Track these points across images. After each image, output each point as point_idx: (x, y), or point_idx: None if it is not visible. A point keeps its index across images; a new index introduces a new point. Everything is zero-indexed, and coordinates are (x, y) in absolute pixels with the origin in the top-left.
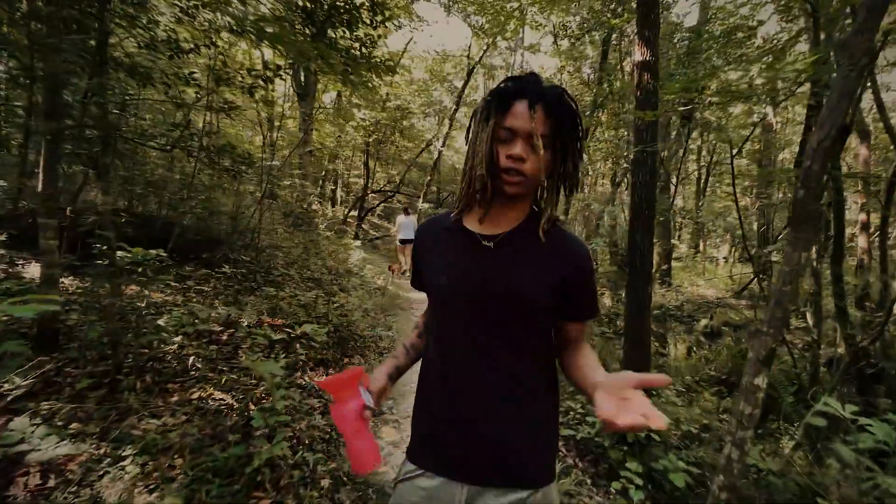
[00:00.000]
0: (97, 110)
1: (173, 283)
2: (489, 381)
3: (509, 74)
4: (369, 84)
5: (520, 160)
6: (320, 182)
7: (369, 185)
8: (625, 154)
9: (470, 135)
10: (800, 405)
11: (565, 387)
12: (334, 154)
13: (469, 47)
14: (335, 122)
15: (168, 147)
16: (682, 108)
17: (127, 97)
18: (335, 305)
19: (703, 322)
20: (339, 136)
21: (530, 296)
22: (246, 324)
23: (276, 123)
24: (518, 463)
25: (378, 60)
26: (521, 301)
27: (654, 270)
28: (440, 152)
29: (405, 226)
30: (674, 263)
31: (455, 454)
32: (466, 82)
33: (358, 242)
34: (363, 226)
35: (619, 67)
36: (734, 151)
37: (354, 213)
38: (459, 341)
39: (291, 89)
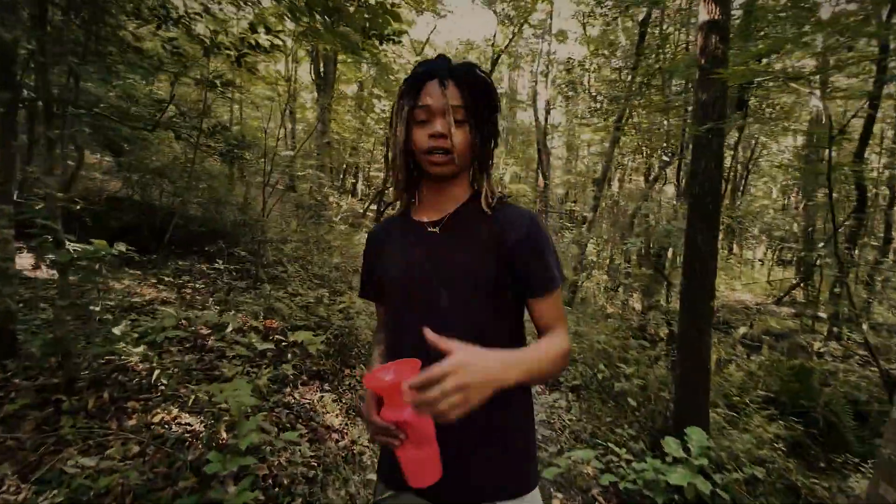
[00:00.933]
0: (37, 79)
1: (168, 279)
2: None
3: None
4: (373, 51)
5: (441, 137)
6: (340, 174)
7: (389, 178)
8: (663, 146)
9: (392, 124)
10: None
11: (606, 431)
12: (354, 146)
13: (494, 36)
14: (356, 114)
15: (149, 127)
16: (756, 81)
17: (85, 67)
18: (340, 306)
19: (742, 330)
20: (360, 128)
21: (479, 273)
22: (231, 329)
23: (295, 113)
24: (493, 478)
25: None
26: (470, 280)
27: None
28: None
29: None
30: None
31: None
32: (490, 73)
33: None
34: (382, 220)
35: (659, 50)
36: (835, 135)
37: (374, 206)
38: (414, 339)
39: (311, 77)
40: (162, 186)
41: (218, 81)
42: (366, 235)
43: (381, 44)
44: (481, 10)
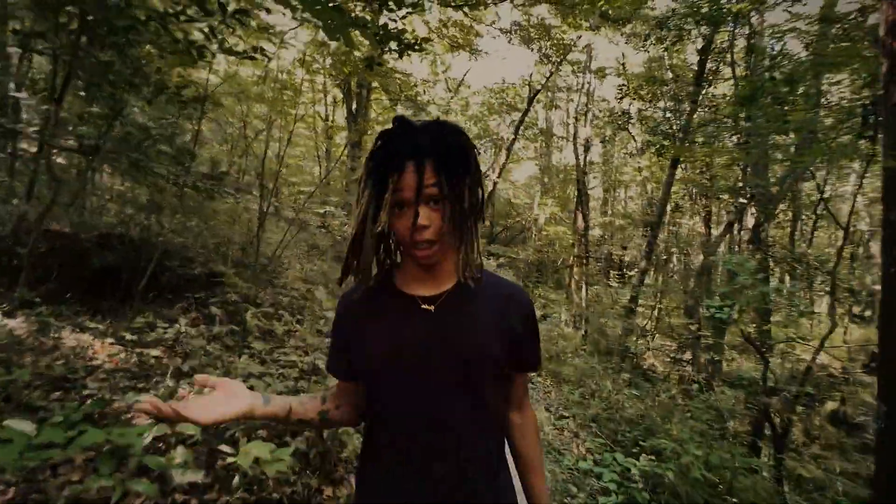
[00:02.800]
0: None
1: (130, 336)
2: (462, 453)
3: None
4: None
5: (424, 228)
6: None
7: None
8: (739, 185)
9: (357, 200)
10: None
11: None
12: None
13: (531, 75)
14: None
15: (87, 151)
16: None
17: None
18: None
19: (830, 406)
20: None
21: (485, 354)
22: (149, 439)
23: (331, 152)
24: None
25: (407, 39)
26: (476, 362)
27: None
28: (495, 184)
29: None
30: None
31: None
32: (527, 111)
33: None
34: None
35: (720, 82)
36: None
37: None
38: (415, 415)
39: (343, 115)
40: (158, 223)
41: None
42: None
43: (401, 56)
44: (517, 50)
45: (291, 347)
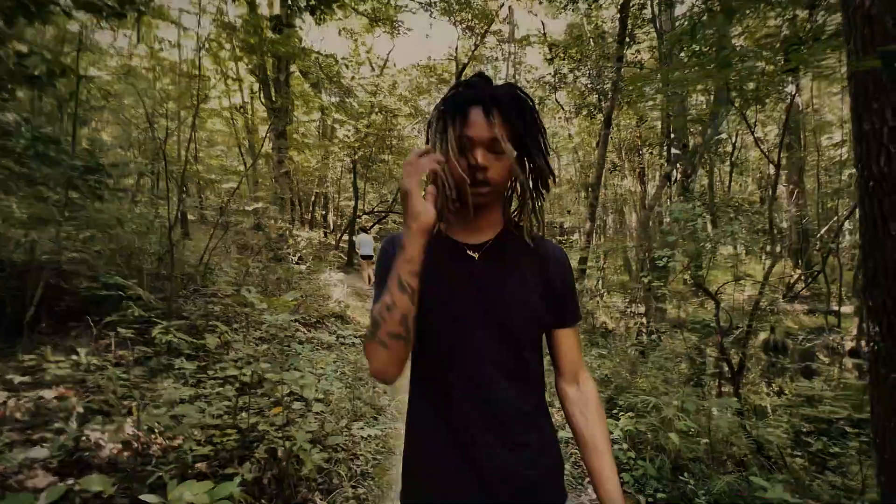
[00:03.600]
0: None
1: (19, 379)
2: (502, 407)
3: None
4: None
5: (483, 169)
6: (309, 206)
7: (360, 206)
8: (671, 138)
9: (431, 141)
10: None
11: None
12: (321, 176)
13: (456, 49)
14: (320, 142)
15: None
16: None
17: None
18: (276, 400)
19: (763, 336)
20: (324, 157)
21: (527, 306)
22: None
23: (255, 147)
24: (534, 493)
25: None
26: (518, 313)
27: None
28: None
29: (364, 243)
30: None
31: (460, 488)
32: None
33: (340, 275)
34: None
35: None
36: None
37: (346, 237)
38: (456, 364)
39: (262, 102)
40: (48, 240)
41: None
42: (330, 273)
43: (313, 13)
44: (441, 25)
45: (230, 360)
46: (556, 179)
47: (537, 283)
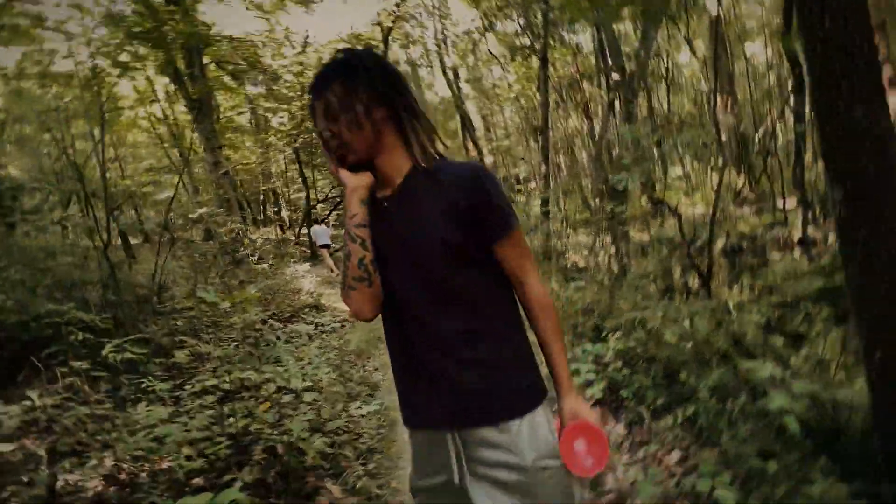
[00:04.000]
0: None
1: None
2: (435, 331)
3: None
4: None
5: (332, 143)
6: (259, 205)
7: (312, 196)
8: (608, 67)
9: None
10: None
11: None
12: (265, 172)
13: (378, 14)
14: (255, 136)
15: None
16: None
17: None
18: (270, 394)
19: (721, 242)
20: (264, 150)
21: (435, 238)
22: None
23: (187, 154)
24: (486, 403)
25: None
26: (428, 247)
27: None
28: None
29: (320, 233)
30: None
31: (426, 409)
32: (385, 53)
33: (307, 266)
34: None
35: None
36: None
37: (305, 230)
38: (399, 298)
39: (183, 104)
40: None
41: None
42: (295, 267)
43: None
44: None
45: (208, 370)
46: (421, 113)
47: (444, 209)
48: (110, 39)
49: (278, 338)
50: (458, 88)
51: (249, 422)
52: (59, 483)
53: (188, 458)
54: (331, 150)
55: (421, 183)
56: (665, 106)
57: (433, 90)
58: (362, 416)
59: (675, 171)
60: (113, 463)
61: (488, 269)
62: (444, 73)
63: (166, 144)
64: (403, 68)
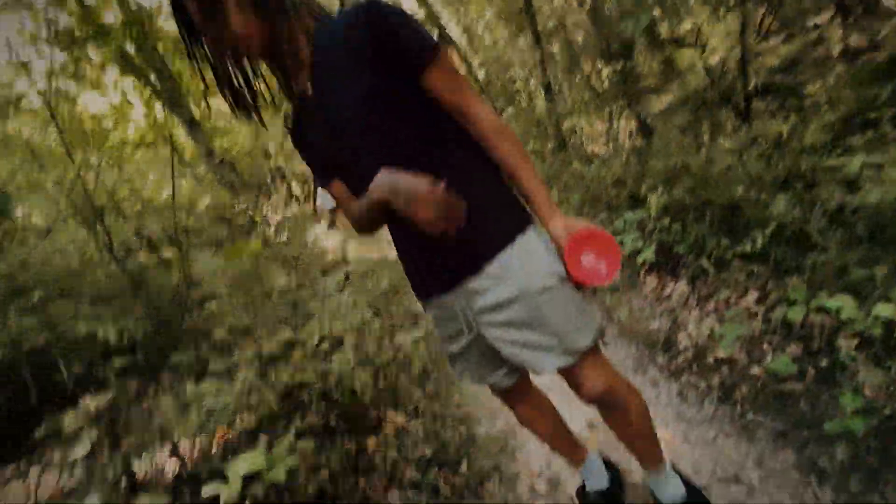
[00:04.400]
0: None
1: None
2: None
3: None
4: None
5: (213, 28)
6: (267, 186)
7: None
8: None
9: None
10: None
11: None
12: (264, 151)
13: None
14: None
15: None
16: None
17: None
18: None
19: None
20: (252, 130)
21: (360, 91)
22: None
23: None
24: (471, 249)
25: None
26: (360, 103)
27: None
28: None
29: (326, 197)
30: None
31: (425, 278)
32: None
33: (323, 226)
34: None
35: None
36: None
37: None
38: (358, 163)
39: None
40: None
41: None
42: (315, 231)
43: None
44: None
45: (249, 340)
46: None
47: (354, 58)
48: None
49: (316, 293)
50: (427, 2)
51: (293, 373)
52: (139, 475)
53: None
54: (220, 55)
55: (318, 48)
56: None
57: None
58: (411, 343)
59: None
60: (178, 444)
61: (431, 111)
62: None
63: (161, 150)
64: None
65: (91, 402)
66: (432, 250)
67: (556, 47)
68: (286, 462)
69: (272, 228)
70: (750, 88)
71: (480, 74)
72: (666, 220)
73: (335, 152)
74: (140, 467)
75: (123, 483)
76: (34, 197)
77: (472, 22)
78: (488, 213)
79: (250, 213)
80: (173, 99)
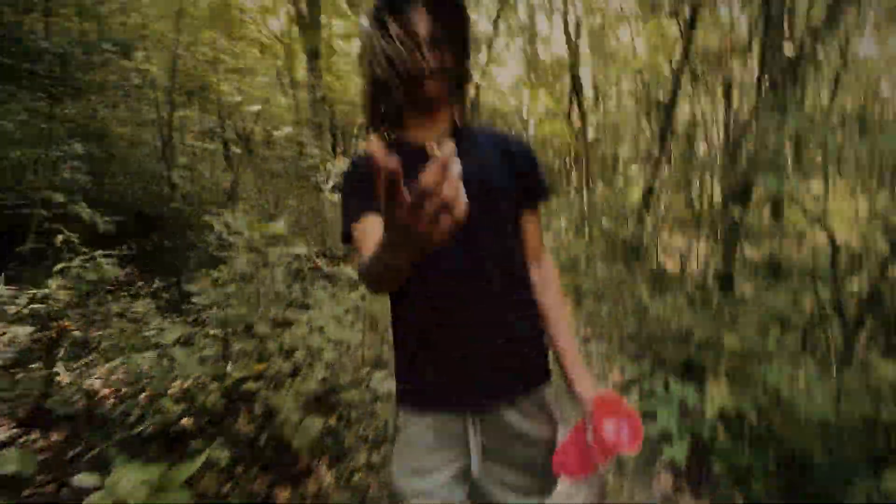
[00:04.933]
0: None
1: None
2: (476, 293)
3: None
4: None
5: (427, 62)
6: (351, 137)
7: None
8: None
9: (366, 48)
10: None
11: None
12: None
13: None
14: (360, 67)
15: None
16: None
17: None
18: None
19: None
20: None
21: (499, 177)
22: None
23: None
24: (517, 374)
25: None
26: (492, 184)
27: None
28: (478, 87)
29: None
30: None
31: (448, 385)
32: None
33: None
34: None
35: None
36: None
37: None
38: (438, 255)
39: (290, 16)
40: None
41: None
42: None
43: None
44: None
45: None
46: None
47: (498, 160)
48: None
49: (324, 275)
50: (577, 47)
51: (248, 374)
52: (59, 378)
53: (177, 400)
54: (408, 72)
55: (469, 134)
56: (826, 99)
57: (549, 45)
58: (384, 392)
59: (813, 184)
60: (103, 378)
61: (516, 238)
62: (566, 27)
63: (279, 62)
64: (520, 13)
65: (55, 286)
66: (485, 356)
67: (675, 150)
68: (174, 498)
69: (329, 184)
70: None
71: (589, 133)
72: (720, 424)
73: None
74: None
75: None
76: None
77: (605, 80)
78: (537, 345)
79: (319, 160)
80: (311, 25)
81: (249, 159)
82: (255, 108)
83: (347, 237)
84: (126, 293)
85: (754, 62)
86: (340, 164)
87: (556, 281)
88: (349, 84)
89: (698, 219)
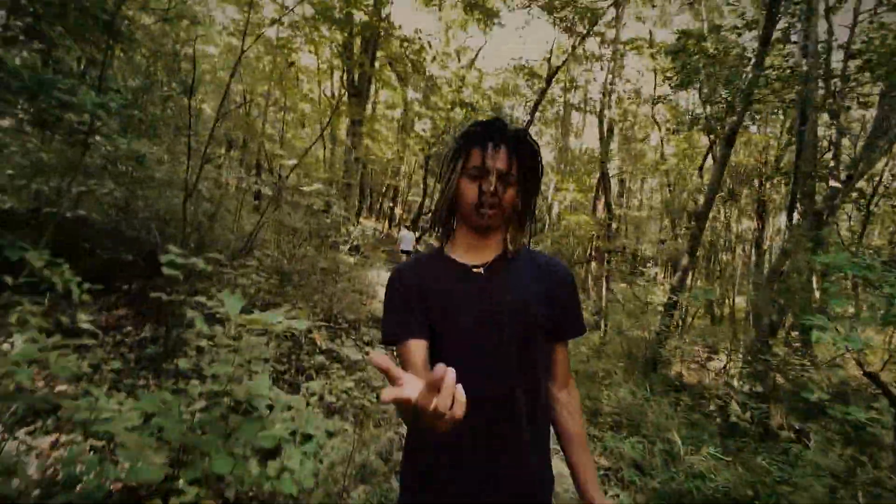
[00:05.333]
0: None
1: None
2: (510, 408)
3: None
4: None
5: (493, 195)
6: (379, 197)
7: (427, 204)
8: (827, 168)
9: (442, 174)
10: None
11: None
12: (395, 168)
13: (550, 52)
14: (398, 136)
15: None
16: None
17: None
18: None
19: None
20: (401, 150)
21: (531, 312)
22: None
23: (335, 133)
24: (538, 489)
25: None
26: (522, 319)
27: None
28: None
29: (405, 239)
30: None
31: (468, 496)
32: (545, 91)
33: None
34: (417, 247)
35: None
36: None
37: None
38: (470, 370)
39: (342, 87)
40: (56, 189)
41: None
42: (378, 271)
43: None
44: (535, 23)
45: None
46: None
47: (539, 290)
48: (304, 16)
49: (319, 350)
50: (609, 144)
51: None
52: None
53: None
54: (472, 199)
55: (515, 261)
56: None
57: (579, 138)
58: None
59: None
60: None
61: (546, 361)
62: (601, 125)
63: (323, 120)
64: (558, 109)
65: None
66: (511, 469)
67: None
68: None
69: (351, 245)
70: None
71: (613, 225)
72: None
73: (464, 322)
74: None
75: None
76: None
77: (633, 180)
78: (549, 463)
79: (342, 219)
80: (360, 93)
81: (276, 209)
82: (292, 162)
83: (388, 343)
84: (111, 339)
85: (785, 187)
86: (361, 228)
87: (580, 409)
88: (385, 148)
89: (702, 332)
